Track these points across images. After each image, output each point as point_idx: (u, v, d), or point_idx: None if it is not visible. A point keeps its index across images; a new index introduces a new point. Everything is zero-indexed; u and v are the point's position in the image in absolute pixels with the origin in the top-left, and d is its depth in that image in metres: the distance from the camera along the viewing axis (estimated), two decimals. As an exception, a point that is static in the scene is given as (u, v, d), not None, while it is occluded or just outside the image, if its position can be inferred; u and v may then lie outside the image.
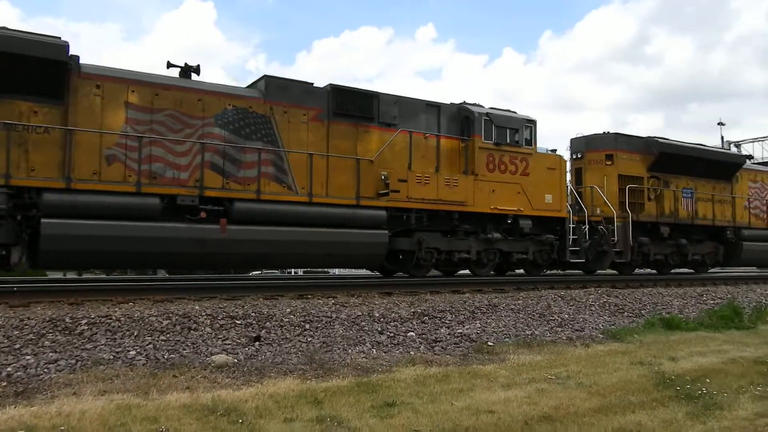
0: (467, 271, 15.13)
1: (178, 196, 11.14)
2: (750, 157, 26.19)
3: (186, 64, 12.15)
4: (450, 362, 6.72)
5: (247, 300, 8.81)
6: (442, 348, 7.30)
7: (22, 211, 10.11)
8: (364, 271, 16.65)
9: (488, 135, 14.62)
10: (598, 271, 17.76)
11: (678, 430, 4.76)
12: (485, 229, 14.66)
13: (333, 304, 8.54)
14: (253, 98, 12.46)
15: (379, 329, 7.52)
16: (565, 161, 16.43)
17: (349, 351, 6.77)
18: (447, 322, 8.25)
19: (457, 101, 15.05)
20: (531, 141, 15.15)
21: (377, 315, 7.96)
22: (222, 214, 11.33)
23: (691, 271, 19.12)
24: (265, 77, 12.83)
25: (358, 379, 5.84)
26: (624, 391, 5.76)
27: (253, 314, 7.52)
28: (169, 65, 12.16)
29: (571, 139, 18.95)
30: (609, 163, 17.43)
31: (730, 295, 13.35)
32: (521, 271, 15.94)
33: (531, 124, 15.36)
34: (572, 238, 15.55)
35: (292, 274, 21.36)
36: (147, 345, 6.19)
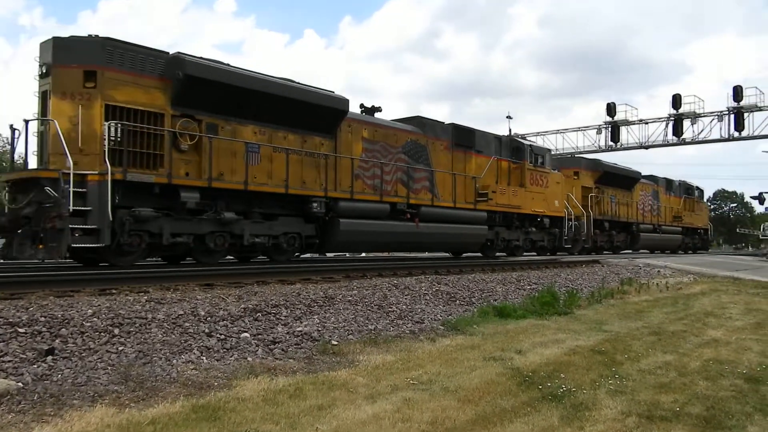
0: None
1: (398, 203, 16.48)
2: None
3: (373, 105, 17.01)
4: (296, 368, 6.07)
5: (32, 299, 7.21)
6: (283, 350, 6.61)
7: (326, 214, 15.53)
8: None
9: (531, 159, 21.90)
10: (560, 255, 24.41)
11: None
12: (523, 224, 21.89)
13: (146, 300, 7.37)
14: (419, 134, 17.84)
15: (207, 331, 6.56)
16: (564, 177, 24.78)
17: (174, 361, 5.78)
18: (283, 318, 7.57)
19: (506, 133, 24.72)
20: (546, 164, 22.74)
21: (203, 313, 7.03)
22: (415, 215, 17.05)
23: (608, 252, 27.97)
24: (420, 118, 18.38)
25: (192, 401, 4.84)
26: (491, 394, 5.56)
27: (42, 318, 6.12)
28: (362, 107, 16.86)
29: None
30: (576, 178, 25.86)
31: (542, 280, 14.19)
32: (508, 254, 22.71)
33: (548, 151, 23.37)
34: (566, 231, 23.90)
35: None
36: None
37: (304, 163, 14.53)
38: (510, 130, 42.95)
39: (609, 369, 6.58)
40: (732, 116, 40.36)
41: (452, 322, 8.82)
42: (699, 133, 42.00)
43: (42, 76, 11.70)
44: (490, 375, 6.14)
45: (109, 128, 11.32)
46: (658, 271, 19.07)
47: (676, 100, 40.87)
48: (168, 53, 12.58)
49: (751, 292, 14.99)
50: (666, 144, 43.45)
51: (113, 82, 11.67)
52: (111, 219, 11.11)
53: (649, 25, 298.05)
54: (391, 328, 8.14)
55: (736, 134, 40.41)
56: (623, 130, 44.20)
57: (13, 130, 11.87)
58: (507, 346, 7.46)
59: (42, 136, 11.66)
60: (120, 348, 5.83)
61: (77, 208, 10.73)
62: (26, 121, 11.59)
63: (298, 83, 14.72)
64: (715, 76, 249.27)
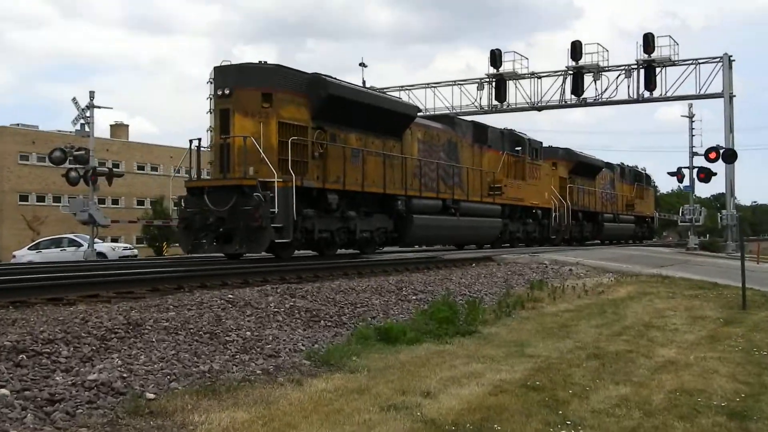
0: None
1: (446, 200, 24.77)
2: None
3: (372, 87, 32.27)
4: (94, 445, 5.81)
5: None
6: (68, 414, 5.71)
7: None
8: None
9: (530, 153, 31.23)
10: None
11: None
12: (521, 216, 31.29)
13: None
14: (452, 133, 26.32)
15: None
16: (554, 169, 34.62)
17: None
18: (63, 361, 6.73)
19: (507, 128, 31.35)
20: (540, 156, 32.65)
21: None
22: (457, 210, 25.57)
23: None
24: (451, 117, 29.44)
25: None
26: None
27: None
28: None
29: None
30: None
31: (430, 286, 13.99)
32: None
33: (541, 144, 33.13)
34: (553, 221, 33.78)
35: None
36: None
37: (387, 164, 21.99)
38: (364, 82, 42.33)
39: (554, 412, 6.49)
40: (641, 71, 41.56)
41: (321, 353, 8.42)
42: (603, 92, 42.87)
43: (221, 96, 17.88)
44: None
45: (291, 144, 17.84)
46: (570, 270, 19.93)
47: (576, 49, 41.85)
48: (307, 73, 19.45)
49: (688, 294, 15.88)
50: (564, 105, 44.41)
51: (283, 103, 18.32)
52: (295, 218, 17.59)
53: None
54: (235, 368, 7.56)
55: (647, 94, 41.80)
56: (511, 86, 44.29)
57: (191, 142, 18.33)
58: (408, 386, 7.24)
59: (227, 149, 17.65)
60: None
61: (273, 210, 17.12)
62: (195, 140, 18.11)
63: (382, 92, 27.13)
64: (607, 25, 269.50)
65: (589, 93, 43.24)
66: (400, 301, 12.26)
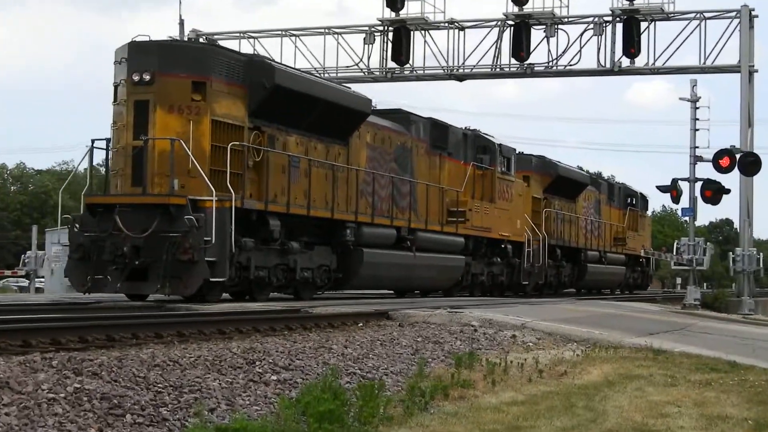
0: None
1: (402, 228, 28.87)
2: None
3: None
4: None
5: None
6: None
7: None
8: None
9: (501, 164, 34.72)
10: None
11: None
12: (486, 252, 35.39)
13: None
14: (406, 135, 30.33)
15: None
16: (527, 187, 37.35)
17: None
18: None
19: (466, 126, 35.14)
20: (512, 168, 35.91)
21: None
22: (413, 242, 29.44)
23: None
24: (403, 112, 31.41)
25: None
26: None
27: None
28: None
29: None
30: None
31: (298, 359, 12.99)
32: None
33: (514, 151, 36.73)
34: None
35: None
36: None
37: (332, 179, 23.95)
38: (182, 22, 41.58)
39: None
40: (619, 28, 38.44)
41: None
42: (559, 56, 39.44)
43: (137, 83, 19.77)
44: None
45: (225, 150, 19.84)
46: (514, 336, 18.78)
47: (521, -11, 32.84)
48: (244, 55, 21.71)
49: (695, 379, 14.90)
50: (499, 73, 41.76)
51: (218, 95, 20.55)
52: (232, 250, 19.50)
53: None
54: None
55: (626, 62, 38.89)
56: (417, 39, 40.79)
57: (93, 143, 21.14)
58: None
59: (139, 155, 19.39)
60: None
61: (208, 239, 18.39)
62: (101, 140, 21.54)
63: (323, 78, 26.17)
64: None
65: (538, 57, 39.51)
66: (252, 383, 11.52)
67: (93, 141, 20.52)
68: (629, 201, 49.71)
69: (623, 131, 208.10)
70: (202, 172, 18.86)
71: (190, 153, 19.00)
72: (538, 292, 36.01)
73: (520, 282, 34.44)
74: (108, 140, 20.79)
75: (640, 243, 49.75)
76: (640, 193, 52.50)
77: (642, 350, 18.02)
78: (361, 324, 18.35)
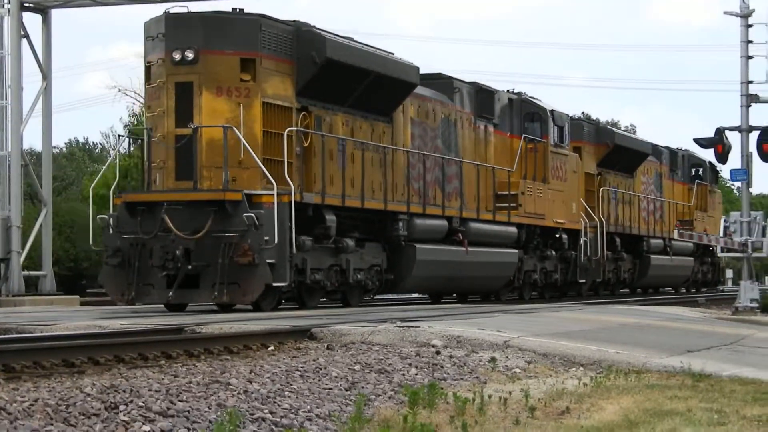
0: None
1: (453, 218, 38.94)
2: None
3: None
4: None
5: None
6: None
7: None
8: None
9: (553, 135, 40.96)
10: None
11: None
12: (538, 244, 41.77)
13: None
14: (450, 105, 36.65)
15: None
16: (579, 161, 37.14)
17: None
18: None
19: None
20: (566, 139, 40.53)
21: None
22: (464, 236, 35.13)
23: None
24: (445, 77, 33.97)
25: None
26: None
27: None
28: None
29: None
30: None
31: (182, 400, 14.65)
32: None
33: (568, 117, 38.03)
34: None
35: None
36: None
37: (382, 163, 27.98)
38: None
39: None
40: None
41: None
42: None
43: (177, 63, 21.83)
44: None
45: (281, 135, 21.78)
46: (493, 358, 19.38)
47: None
48: (290, 24, 22.46)
49: (753, 415, 16.23)
50: None
51: (268, 74, 23.74)
52: (293, 251, 22.39)
53: None
54: None
55: None
56: None
57: (129, 135, 25.07)
58: None
59: (185, 146, 21.79)
60: None
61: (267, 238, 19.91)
62: (146, 129, 23.82)
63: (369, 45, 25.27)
64: None
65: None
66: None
67: (129, 130, 19.94)
68: (695, 172, 50.42)
69: (643, 62, 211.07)
70: (259, 162, 21.37)
71: (243, 141, 21.46)
72: (593, 292, 38.97)
73: (576, 280, 37.63)
74: (149, 130, 22.99)
75: (711, 225, 50.18)
76: (709, 162, 51.51)
77: (676, 375, 17.32)
78: (273, 347, 17.46)
